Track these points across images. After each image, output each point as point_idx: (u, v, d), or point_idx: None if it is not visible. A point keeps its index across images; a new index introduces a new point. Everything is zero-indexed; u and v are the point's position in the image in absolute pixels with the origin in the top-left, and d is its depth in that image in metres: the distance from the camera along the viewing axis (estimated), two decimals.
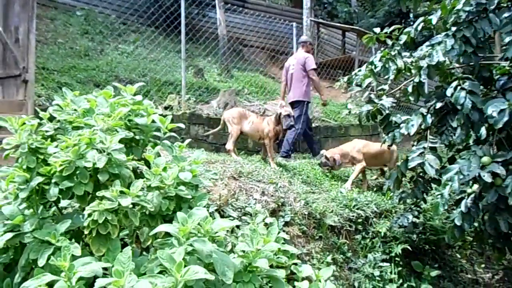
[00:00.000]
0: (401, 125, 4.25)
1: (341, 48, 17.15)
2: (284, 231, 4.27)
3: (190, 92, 9.22)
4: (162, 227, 2.14)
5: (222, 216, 4.03)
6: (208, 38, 10.74)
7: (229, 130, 6.29)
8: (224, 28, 12.23)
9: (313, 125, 8.93)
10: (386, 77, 4.67)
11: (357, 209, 5.27)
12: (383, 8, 18.33)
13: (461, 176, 3.53)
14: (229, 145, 6.19)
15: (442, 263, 5.64)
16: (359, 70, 5.15)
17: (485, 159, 3.50)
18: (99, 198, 2.11)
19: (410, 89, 4.30)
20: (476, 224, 4.44)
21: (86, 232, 2.03)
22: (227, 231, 3.83)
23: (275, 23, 13.23)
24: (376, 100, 4.38)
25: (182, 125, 3.25)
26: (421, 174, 4.58)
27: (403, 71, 5.06)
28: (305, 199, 4.93)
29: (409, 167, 4.04)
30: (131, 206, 2.21)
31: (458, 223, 3.71)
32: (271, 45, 14.42)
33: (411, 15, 17.67)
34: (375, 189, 6.43)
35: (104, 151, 2.26)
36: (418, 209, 5.35)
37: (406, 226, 5.15)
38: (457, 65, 4.42)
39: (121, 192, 2.18)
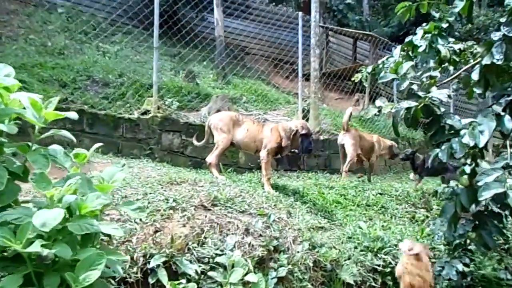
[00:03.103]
0: (462, 132, 2.69)
1: (351, 57, 15.71)
2: None
3: (177, 97, 7.80)
4: None
5: (173, 273, 2.48)
6: (206, 44, 9.36)
7: (215, 139, 4.71)
8: (221, 29, 10.85)
9: (321, 138, 7.40)
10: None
11: (385, 253, 3.69)
12: (398, 16, 16.90)
13: None
14: (211, 158, 4.62)
15: None
16: (390, 56, 3.66)
17: None
18: None
19: (475, 76, 2.77)
20: None
21: None
22: None
23: (280, 31, 11.87)
24: (421, 94, 2.84)
25: (73, 114, 1.71)
26: (489, 207, 3.01)
27: (449, 60, 3.58)
28: (310, 240, 3.36)
29: (481, 198, 2.47)
30: None
31: None
32: (275, 53, 12.96)
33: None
34: (405, 220, 4.83)
35: None
36: (469, 253, 3.76)
37: (453, 279, 3.57)
38: None
39: None
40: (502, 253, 4.70)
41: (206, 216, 3.06)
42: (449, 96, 2.66)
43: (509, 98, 2.69)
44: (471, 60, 3.66)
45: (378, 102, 3.06)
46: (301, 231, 3.48)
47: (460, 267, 3.54)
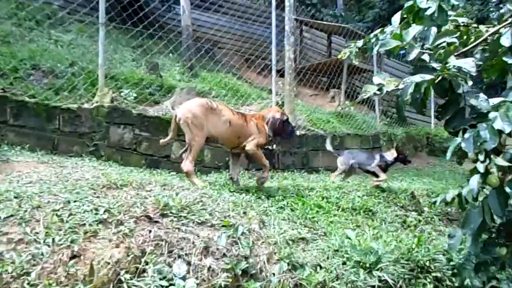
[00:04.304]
0: (492, 115, 2.01)
1: (326, 53, 15.15)
2: None
3: (137, 89, 6.97)
4: None
5: None
6: (174, 36, 8.59)
7: (186, 138, 3.75)
8: (188, 18, 10.03)
9: (298, 133, 6.69)
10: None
11: (380, 269, 2.99)
12: (373, 11, 16.51)
13: None
14: (187, 165, 3.69)
15: None
16: (385, 27, 2.95)
17: None
18: None
19: (506, 41, 2.10)
20: None
21: None
22: None
23: (253, 25, 11.18)
24: (435, 65, 2.14)
25: None
26: None
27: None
28: (289, 257, 2.62)
29: None
30: None
31: None
32: (248, 48, 12.19)
33: None
34: (396, 225, 4.17)
35: None
36: (479, 266, 3.10)
37: None
38: None
39: None
40: None
41: (150, 232, 2.26)
42: (478, 66, 1.97)
43: None
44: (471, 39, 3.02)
45: (376, 79, 2.34)
46: (277, 246, 2.74)
47: None
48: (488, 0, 13.03)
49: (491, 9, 16.56)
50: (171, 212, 2.54)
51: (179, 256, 2.22)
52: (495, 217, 2.21)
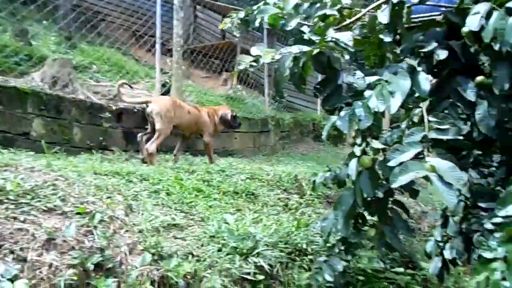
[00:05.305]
0: (367, 93, 1.93)
1: (220, 35, 14.89)
2: None
3: None
4: None
5: None
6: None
7: (157, 127, 4.55)
8: None
9: None
10: None
11: (256, 254, 2.86)
12: None
13: None
14: (153, 147, 4.47)
15: None
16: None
17: None
18: None
19: (383, 18, 2.03)
20: None
21: None
22: None
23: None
24: (314, 38, 2.00)
25: None
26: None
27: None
28: (155, 247, 2.33)
29: (394, 185, 1.72)
30: None
31: None
32: (135, 23, 11.31)
33: None
34: (278, 209, 4.11)
35: None
36: (349, 247, 3.14)
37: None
38: None
39: None
40: None
41: None
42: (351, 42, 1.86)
43: (424, 50, 2.01)
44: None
45: (254, 50, 2.13)
46: (143, 234, 2.43)
47: (341, 266, 2.86)
48: None
49: None
50: (7, 198, 2.07)
51: (12, 252, 1.80)
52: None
